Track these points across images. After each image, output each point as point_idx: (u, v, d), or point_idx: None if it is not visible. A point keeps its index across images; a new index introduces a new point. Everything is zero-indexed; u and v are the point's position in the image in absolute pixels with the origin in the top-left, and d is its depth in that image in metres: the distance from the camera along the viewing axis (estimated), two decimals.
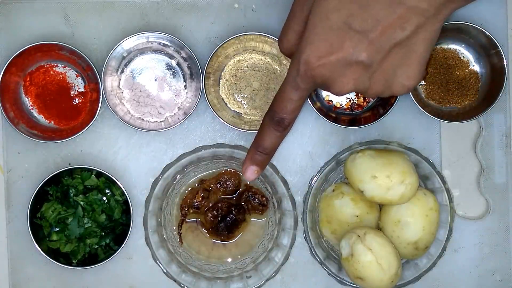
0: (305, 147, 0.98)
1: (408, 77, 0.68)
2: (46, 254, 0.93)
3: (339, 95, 0.70)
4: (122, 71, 0.96)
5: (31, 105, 0.97)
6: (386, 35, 0.64)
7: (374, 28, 0.64)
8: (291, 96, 0.71)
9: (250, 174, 0.78)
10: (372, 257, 0.86)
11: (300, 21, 0.69)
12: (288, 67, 0.96)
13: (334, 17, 0.65)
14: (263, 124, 0.75)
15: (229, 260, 0.97)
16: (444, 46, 0.97)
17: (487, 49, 0.95)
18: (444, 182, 0.93)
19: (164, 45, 0.95)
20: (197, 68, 0.94)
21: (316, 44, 0.66)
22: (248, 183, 0.96)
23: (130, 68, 0.96)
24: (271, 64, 0.96)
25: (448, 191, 0.93)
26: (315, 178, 0.93)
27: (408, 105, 0.96)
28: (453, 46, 0.97)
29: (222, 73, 0.97)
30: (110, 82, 0.95)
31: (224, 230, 0.96)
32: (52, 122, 0.97)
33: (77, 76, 0.97)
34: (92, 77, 0.95)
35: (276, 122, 0.74)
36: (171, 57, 0.97)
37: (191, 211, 0.96)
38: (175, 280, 0.93)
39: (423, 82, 0.97)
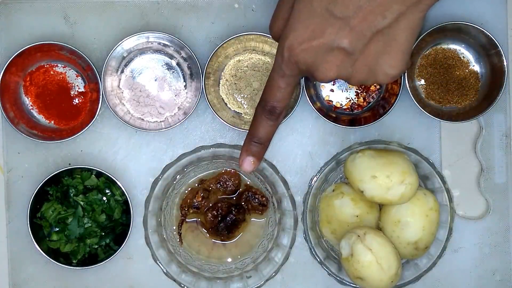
0: (305, 147, 0.98)
1: (390, 65, 0.68)
2: (46, 254, 0.93)
3: (324, 82, 0.70)
4: (122, 71, 0.96)
5: (31, 105, 0.97)
6: (367, 22, 0.65)
7: (355, 15, 0.65)
8: (279, 83, 0.72)
9: (247, 165, 0.78)
10: (372, 257, 0.86)
11: (288, 8, 0.70)
12: None
13: (316, 3, 0.66)
14: (255, 114, 0.76)
15: (229, 260, 0.97)
16: (444, 46, 0.97)
17: (487, 49, 0.95)
18: (444, 182, 0.93)
19: (164, 45, 0.95)
20: (197, 68, 0.94)
21: (299, 30, 0.67)
22: (248, 182, 0.96)
23: (130, 68, 0.96)
24: (271, 64, 0.96)
25: (448, 191, 0.93)
26: (315, 178, 0.93)
27: (408, 105, 0.96)
28: (453, 46, 0.97)
29: (222, 73, 0.97)
30: (110, 82, 0.95)
31: (224, 230, 0.96)
32: (52, 122, 0.97)
33: (77, 76, 0.97)
34: (92, 77, 0.95)
35: (268, 111, 0.74)
36: (171, 57, 0.97)
37: (191, 211, 0.96)
38: (175, 280, 0.93)
39: (423, 82, 0.97)
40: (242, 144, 0.96)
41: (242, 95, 0.97)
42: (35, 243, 0.93)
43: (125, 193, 0.94)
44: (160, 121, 0.96)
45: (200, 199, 0.95)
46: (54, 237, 0.94)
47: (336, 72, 0.68)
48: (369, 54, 0.67)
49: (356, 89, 0.97)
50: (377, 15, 0.65)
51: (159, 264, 0.93)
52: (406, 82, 0.94)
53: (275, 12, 0.73)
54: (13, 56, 0.92)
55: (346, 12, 0.65)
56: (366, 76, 0.69)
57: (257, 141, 0.77)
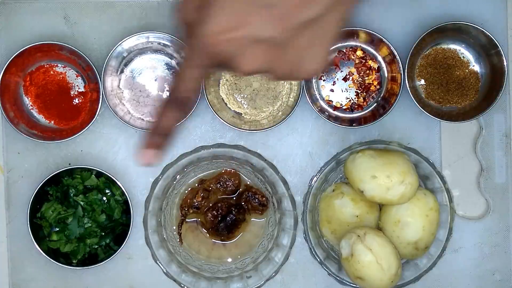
0: (305, 147, 0.98)
1: (315, 60, 0.65)
2: (46, 254, 0.93)
3: (244, 75, 0.66)
4: (122, 71, 0.96)
5: (31, 105, 0.97)
6: (293, 13, 0.61)
7: (282, 4, 0.61)
8: (192, 74, 0.66)
9: (151, 157, 0.70)
10: (372, 257, 0.86)
11: None
12: None
13: None
14: (162, 105, 0.70)
15: (229, 260, 0.97)
16: (444, 46, 0.97)
17: (487, 49, 0.95)
18: (444, 182, 0.93)
19: (164, 45, 0.95)
20: None
21: (219, 17, 0.62)
22: (248, 182, 0.96)
23: (130, 68, 0.96)
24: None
25: (448, 191, 0.93)
26: (315, 178, 0.93)
27: (408, 105, 0.96)
28: (453, 46, 0.97)
29: (222, 73, 0.97)
30: (110, 82, 0.95)
31: (224, 230, 0.96)
32: (52, 122, 0.97)
33: (77, 76, 0.97)
34: (92, 77, 0.95)
35: (177, 103, 0.69)
36: (171, 57, 0.97)
37: (191, 211, 0.96)
38: (175, 280, 0.93)
39: (423, 82, 0.97)
40: (241, 144, 0.96)
41: (242, 95, 0.97)
42: (35, 243, 0.93)
43: (125, 193, 0.94)
44: None
45: (200, 199, 0.95)
46: (54, 237, 0.94)
47: (258, 64, 0.64)
48: (294, 48, 0.64)
49: (356, 89, 0.97)
50: (305, 6, 0.61)
51: (159, 264, 0.93)
52: (406, 82, 0.94)
53: None
54: (13, 56, 0.91)
55: (272, 2, 0.61)
56: (289, 71, 0.66)
57: (162, 132, 0.70)
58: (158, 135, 0.71)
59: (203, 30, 0.62)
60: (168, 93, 0.71)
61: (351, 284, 0.93)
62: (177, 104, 0.69)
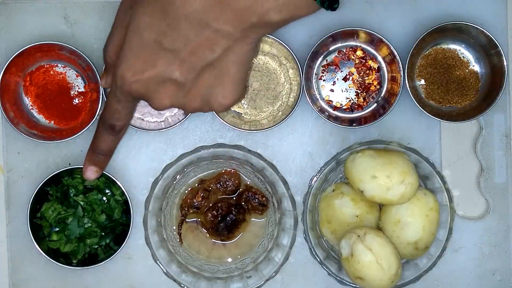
0: (305, 147, 0.98)
1: (223, 96, 0.69)
2: (46, 254, 0.93)
3: (159, 110, 0.72)
4: None
5: (31, 105, 0.97)
6: (196, 55, 0.66)
7: (184, 48, 0.66)
8: (116, 106, 0.74)
9: (91, 173, 0.83)
10: (372, 257, 0.86)
11: (120, 35, 0.70)
12: (288, 67, 0.96)
13: (146, 35, 0.66)
14: (97, 127, 0.79)
15: (229, 260, 0.97)
16: (444, 46, 0.97)
17: (487, 49, 0.95)
18: (444, 182, 0.93)
19: None
20: None
21: (131, 61, 0.68)
22: (248, 182, 0.96)
23: None
24: (271, 64, 0.96)
25: (448, 191, 0.93)
26: (315, 178, 0.93)
27: (408, 105, 0.96)
28: (453, 46, 0.97)
29: None
30: None
31: (224, 230, 0.96)
32: (52, 122, 0.97)
33: (77, 76, 0.97)
34: (92, 77, 0.95)
35: (108, 127, 0.78)
36: None
37: (191, 211, 0.96)
38: (175, 280, 0.93)
39: (423, 82, 0.97)
40: (241, 144, 0.96)
41: None
42: (35, 243, 0.93)
43: (125, 193, 0.94)
44: (160, 121, 0.96)
45: (200, 199, 0.95)
46: (54, 237, 0.94)
47: (169, 102, 0.70)
48: (201, 85, 0.68)
49: (356, 89, 0.97)
50: (206, 49, 0.65)
51: (159, 264, 0.93)
52: (406, 82, 0.94)
53: (109, 37, 0.73)
54: (13, 56, 0.91)
55: (175, 45, 0.66)
56: (200, 105, 0.70)
57: (99, 152, 0.81)
58: (97, 156, 0.82)
59: (117, 71, 0.69)
60: (101, 120, 0.78)
61: (351, 284, 0.93)
62: (105, 129, 0.78)
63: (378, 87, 0.98)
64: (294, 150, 0.98)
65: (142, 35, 0.67)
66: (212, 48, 0.66)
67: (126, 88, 0.69)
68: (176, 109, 0.96)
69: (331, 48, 0.97)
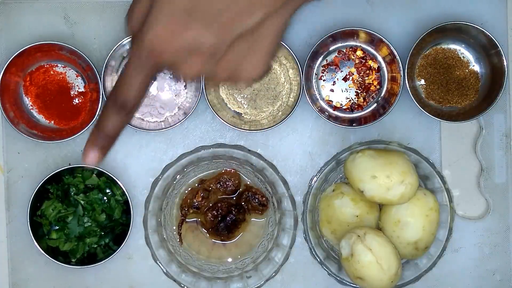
0: (305, 147, 0.98)
1: (254, 67, 0.67)
2: (45, 252, 0.93)
3: (186, 80, 0.69)
4: None
5: (31, 105, 0.97)
6: (232, 23, 0.63)
7: (218, 17, 0.63)
8: (135, 79, 0.69)
9: (92, 158, 0.71)
10: (372, 257, 0.86)
11: (146, 1, 0.66)
12: (287, 67, 0.96)
13: (177, 2, 0.63)
14: (106, 106, 0.72)
15: (229, 260, 0.97)
16: (444, 46, 0.97)
17: (487, 49, 0.95)
18: (444, 182, 0.93)
19: None
20: None
21: (159, 29, 0.64)
22: (248, 182, 0.96)
23: None
24: (271, 64, 0.96)
25: (448, 191, 0.93)
26: (315, 178, 0.93)
27: (408, 105, 0.96)
28: (453, 46, 0.97)
29: None
30: (110, 82, 0.95)
31: (224, 230, 0.96)
32: (52, 122, 0.97)
33: (77, 76, 0.97)
34: (92, 77, 0.95)
35: (119, 106, 0.70)
36: None
37: (191, 211, 0.96)
38: (175, 280, 0.93)
39: (423, 82, 0.97)
40: (241, 144, 0.96)
41: (242, 95, 0.97)
42: (35, 242, 0.93)
43: (126, 193, 0.94)
44: (160, 121, 0.96)
45: (200, 199, 0.95)
46: (54, 236, 0.94)
47: (198, 71, 0.67)
48: (234, 55, 0.66)
49: (356, 89, 0.97)
50: (244, 16, 0.63)
51: (159, 264, 0.93)
52: (406, 82, 0.94)
53: (133, 3, 0.69)
54: (13, 56, 0.91)
55: (210, 11, 0.63)
56: (228, 75, 0.68)
57: (105, 133, 0.72)
58: (100, 137, 0.72)
59: (144, 40, 0.65)
60: (112, 98, 0.71)
61: (351, 284, 0.93)
62: (116, 107, 0.71)
63: (378, 87, 0.98)
64: (294, 150, 0.98)
65: (173, 2, 0.63)
66: (246, 18, 0.63)
67: (153, 57, 0.66)
68: (176, 109, 0.96)
69: (331, 48, 0.97)
